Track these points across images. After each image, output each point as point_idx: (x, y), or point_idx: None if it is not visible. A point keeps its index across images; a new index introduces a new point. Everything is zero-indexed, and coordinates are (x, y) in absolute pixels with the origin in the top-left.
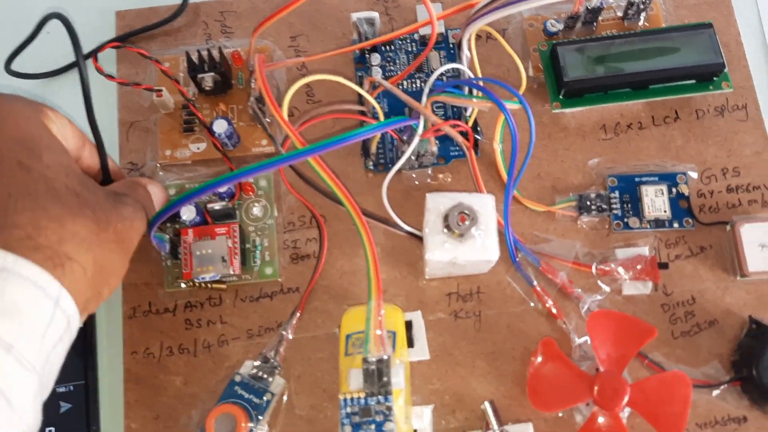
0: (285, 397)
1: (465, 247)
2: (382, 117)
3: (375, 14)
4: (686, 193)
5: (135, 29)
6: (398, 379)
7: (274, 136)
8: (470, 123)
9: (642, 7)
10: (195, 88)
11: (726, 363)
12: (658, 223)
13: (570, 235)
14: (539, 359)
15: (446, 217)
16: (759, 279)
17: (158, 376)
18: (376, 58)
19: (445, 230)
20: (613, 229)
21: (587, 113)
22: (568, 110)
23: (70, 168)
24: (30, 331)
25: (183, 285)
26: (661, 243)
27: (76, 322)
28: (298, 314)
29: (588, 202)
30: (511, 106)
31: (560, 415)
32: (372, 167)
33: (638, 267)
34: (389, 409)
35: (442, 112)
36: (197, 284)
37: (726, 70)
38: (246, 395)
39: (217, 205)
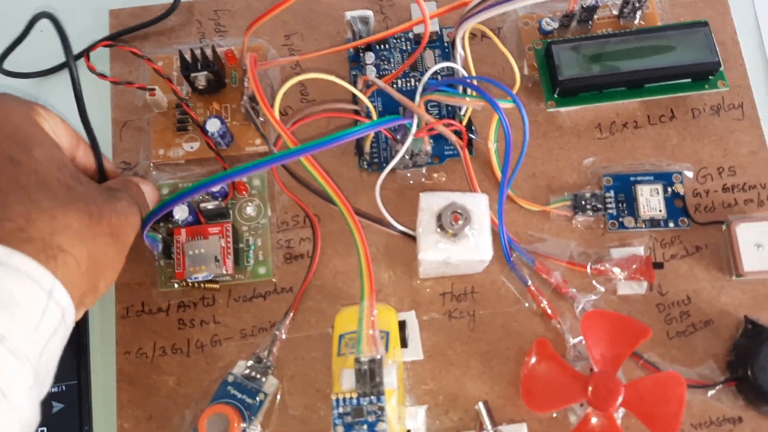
0: (278, 397)
1: (458, 246)
2: (375, 116)
3: (369, 13)
4: (682, 193)
5: (128, 28)
6: (390, 379)
7: (267, 136)
8: (464, 122)
9: (638, 5)
10: (188, 87)
11: (721, 363)
12: (653, 222)
13: (565, 235)
14: (533, 359)
15: (439, 217)
16: (754, 279)
17: (151, 376)
18: (370, 57)
19: (439, 230)
20: (608, 228)
21: (582, 112)
22: (563, 109)
23: (62, 162)
24: (23, 323)
25: (176, 285)
26: (656, 242)
27: (71, 315)
28: (292, 314)
29: (583, 202)
30: (505, 105)
31: (554, 415)
32: (366, 166)
33: (633, 267)
34: (381, 409)
35: (437, 111)
36: (190, 284)
37: (722, 68)
38: (239, 395)
39: (210, 205)
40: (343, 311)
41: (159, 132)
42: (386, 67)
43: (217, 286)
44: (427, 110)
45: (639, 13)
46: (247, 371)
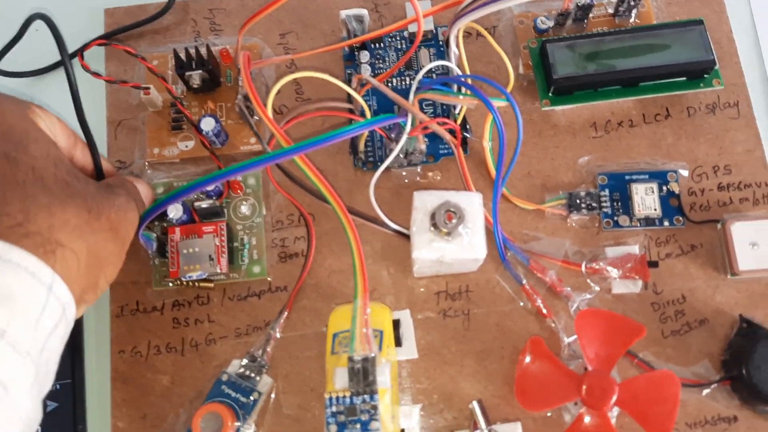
0: (272, 396)
1: (452, 245)
2: (369, 115)
3: (364, 11)
4: (677, 191)
5: (123, 26)
6: (384, 378)
7: (261, 135)
8: (459, 121)
9: (633, 3)
10: (183, 86)
11: (716, 362)
12: (648, 221)
13: (560, 234)
14: (527, 358)
15: (433, 216)
16: (750, 278)
17: (146, 375)
18: (365, 56)
19: (432, 228)
20: (603, 227)
21: (577, 111)
22: (558, 108)
23: (59, 159)
24: (23, 317)
25: (170, 284)
26: (651, 241)
27: (71, 311)
28: (286, 313)
29: (578, 201)
30: (500, 103)
31: (549, 414)
32: (361, 165)
33: (628, 265)
34: (375, 408)
35: (432, 110)
36: (185, 283)
37: (717, 67)
38: (233, 394)
39: (204, 204)
40: (337, 310)
41: (154, 131)
42: (381, 65)
43: (211, 285)
44: (421, 109)
45: (634, 11)
46: (241, 370)
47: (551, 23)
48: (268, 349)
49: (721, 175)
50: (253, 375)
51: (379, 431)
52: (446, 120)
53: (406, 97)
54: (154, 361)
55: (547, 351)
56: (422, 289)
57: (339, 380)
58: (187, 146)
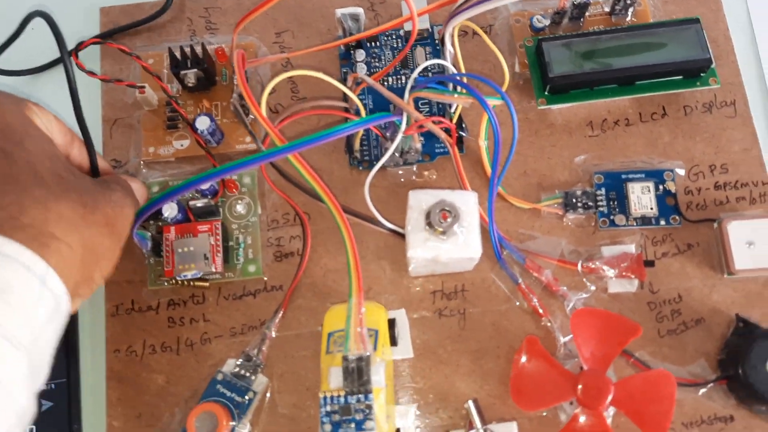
0: (267, 396)
1: (447, 244)
2: (364, 114)
3: (359, 10)
4: (673, 190)
5: (119, 26)
6: (378, 377)
7: (256, 134)
8: (454, 119)
9: (629, 2)
10: (179, 85)
11: (713, 361)
12: (644, 220)
13: (556, 233)
14: (523, 358)
15: (428, 214)
16: (746, 277)
17: (141, 375)
18: (360, 55)
19: (428, 227)
20: (599, 226)
21: (574, 110)
22: (554, 107)
23: (54, 155)
24: (16, 309)
25: (166, 283)
26: (647, 240)
27: (65, 304)
28: (282, 312)
29: (574, 200)
30: (495, 102)
31: (544, 414)
32: (356, 164)
33: (624, 265)
34: (369, 407)
35: (428, 109)
36: (180, 282)
37: (713, 65)
38: (228, 393)
39: (199, 203)
40: (332, 309)
41: (149, 130)
42: (377, 64)
43: (206, 284)
44: (417, 108)
45: (631, 10)
46: (236, 369)
47: (547, 22)
48: (264, 349)
49: (718, 174)
50: (248, 374)
51: (374, 430)
52: (441, 119)
53: (402, 95)
54: (150, 360)
55: (543, 350)
56: (418, 289)
57: (333, 379)
58: (182, 145)
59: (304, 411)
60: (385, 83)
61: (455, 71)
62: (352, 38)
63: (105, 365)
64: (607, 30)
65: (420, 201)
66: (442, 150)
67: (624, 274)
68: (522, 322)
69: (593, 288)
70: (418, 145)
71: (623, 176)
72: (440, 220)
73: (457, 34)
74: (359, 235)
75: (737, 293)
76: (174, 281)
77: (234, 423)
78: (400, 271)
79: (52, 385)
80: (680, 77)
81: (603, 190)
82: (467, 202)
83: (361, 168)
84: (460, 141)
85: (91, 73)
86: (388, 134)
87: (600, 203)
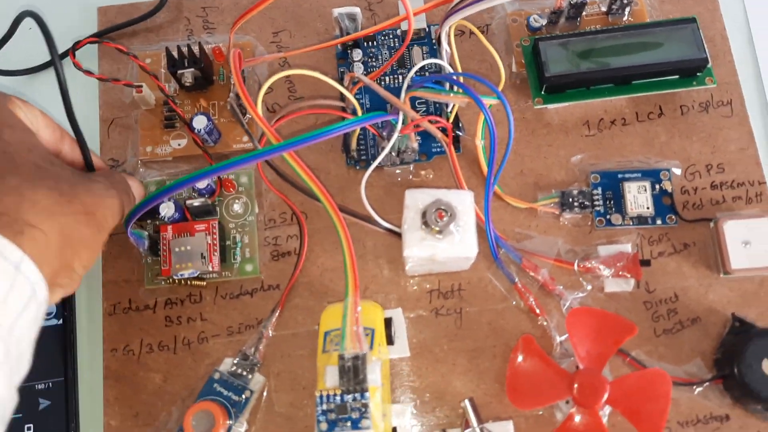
0: (264, 395)
1: (443, 243)
2: (360, 113)
3: (356, 9)
4: (669, 190)
5: (116, 25)
6: (374, 376)
7: (254, 134)
8: (451, 119)
9: (626, 1)
10: (176, 84)
11: (709, 361)
12: (640, 219)
13: (552, 232)
14: (519, 357)
15: (424, 214)
16: (742, 276)
17: (138, 374)
18: (357, 54)
19: (424, 226)
20: (596, 226)
21: (570, 109)
22: (551, 106)
23: (33, 145)
24: None
25: (163, 282)
26: (643, 240)
27: (42, 291)
28: (279, 311)
29: (570, 199)
30: (491, 101)
31: (540, 413)
32: (353, 164)
33: (620, 264)
34: (365, 406)
35: (425, 108)
36: (177, 281)
37: (709, 65)
38: (225, 392)
39: (196, 202)
40: (329, 308)
41: (147, 129)
42: (374, 64)
43: (203, 283)
44: (414, 107)
45: (627, 9)
46: (233, 368)
47: (544, 21)
48: (261, 348)
49: (714, 174)
50: (245, 373)
51: (370, 429)
52: (438, 118)
53: (399, 95)
54: (147, 359)
55: (539, 349)
56: (414, 288)
57: (330, 378)
58: (179, 144)
59: (300, 410)
60: (382, 83)
61: (452, 71)
62: (349, 37)
63: (102, 364)
64: (603, 29)
65: (416, 200)
66: (438, 149)
67: (620, 273)
68: (518, 321)
69: (589, 287)
70: (415, 145)
71: (620, 176)
72: (436, 219)
73: (454, 33)
74: (356, 234)
75: (733, 292)
76: (171, 280)
77: (231, 422)
78: (397, 270)
79: (50, 384)
80: (677, 77)
81: (599, 190)
82: (463, 202)
83: (357, 167)
84: (456, 140)
85: (89, 73)
86: (384, 133)
87: (596, 203)
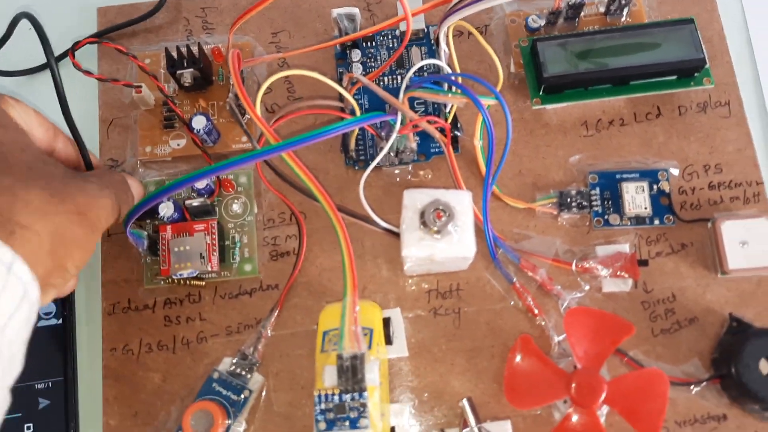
0: (263, 394)
1: (442, 243)
2: (359, 113)
3: (355, 10)
4: (667, 190)
5: (116, 25)
6: (373, 375)
7: (252, 134)
8: (449, 119)
9: (624, 2)
10: (175, 85)
11: (706, 360)
12: (638, 220)
13: (550, 232)
14: (517, 356)
15: (423, 214)
16: (740, 276)
17: (137, 373)
18: (356, 54)
19: (422, 226)
20: (594, 226)
21: (569, 109)
22: (549, 106)
23: (26, 145)
24: None
25: (162, 282)
26: (641, 240)
27: (34, 291)
28: (277, 311)
29: (568, 199)
30: (489, 102)
31: (538, 412)
32: (352, 164)
33: (618, 264)
34: (364, 405)
35: (423, 109)
36: (176, 281)
37: (707, 66)
38: (224, 392)
39: (195, 202)
40: (327, 308)
41: (146, 129)
42: (373, 64)
43: (202, 283)
44: (413, 108)
45: (626, 10)
46: (232, 368)
47: (542, 22)
48: (259, 347)
49: (712, 174)
50: (244, 373)
51: (368, 428)
52: (436, 118)
53: (397, 95)
54: (146, 359)
55: (537, 349)
56: (413, 288)
57: (328, 378)
58: (179, 144)
59: (299, 409)
60: (381, 83)
61: (450, 71)
62: (348, 38)
63: (102, 364)
64: (601, 30)
65: (415, 200)
66: (437, 150)
67: (618, 273)
68: (516, 321)
69: (587, 287)
70: (413, 145)
71: (618, 176)
72: (435, 219)
73: (453, 34)
74: (354, 234)
75: (731, 292)
76: (170, 280)
77: (229, 421)
78: (395, 270)
79: (49, 384)
80: (675, 77)
81: (597, 190)
82: (462, 202)
83: (356, 167)
84: (454, 140)
85: (88, 73)
86: (383, 134)
87: (594, 203)
